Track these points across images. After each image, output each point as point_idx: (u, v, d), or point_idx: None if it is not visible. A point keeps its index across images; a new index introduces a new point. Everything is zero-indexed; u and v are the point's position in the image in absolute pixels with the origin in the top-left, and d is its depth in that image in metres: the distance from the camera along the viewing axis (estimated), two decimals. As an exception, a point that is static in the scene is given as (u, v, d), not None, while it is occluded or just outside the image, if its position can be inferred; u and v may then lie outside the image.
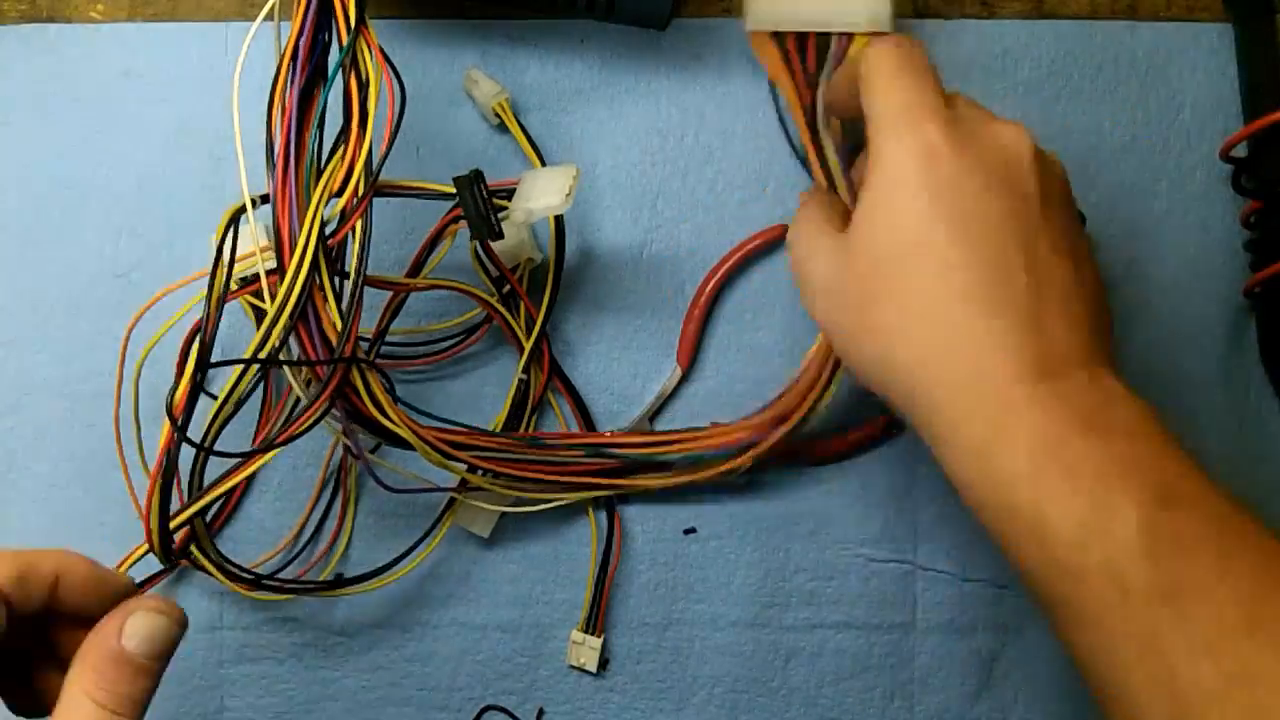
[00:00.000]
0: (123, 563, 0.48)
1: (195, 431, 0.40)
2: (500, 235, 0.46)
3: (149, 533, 0.41)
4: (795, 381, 0.49)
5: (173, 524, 0.41)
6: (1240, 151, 0.50)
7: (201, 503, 0.42)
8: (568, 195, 0.44)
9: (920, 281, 0.37)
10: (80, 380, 0.52)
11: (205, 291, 0.41)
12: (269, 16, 0.43)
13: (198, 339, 0.40)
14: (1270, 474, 0.52)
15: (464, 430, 0.48)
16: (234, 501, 0.51)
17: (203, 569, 0.46)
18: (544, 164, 0.51)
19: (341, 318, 0.42)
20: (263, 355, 0.40)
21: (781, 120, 0.52)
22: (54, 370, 0.52)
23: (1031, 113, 0.52)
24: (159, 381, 0.44)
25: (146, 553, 0.44)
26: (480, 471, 0.48)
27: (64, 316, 0.52)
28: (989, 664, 0.52)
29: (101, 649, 0.36)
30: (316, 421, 0.42)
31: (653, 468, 0.50)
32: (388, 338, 0.50)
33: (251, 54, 0.43)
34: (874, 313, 0.38)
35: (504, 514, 0.51)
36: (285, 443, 0.42)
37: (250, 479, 0.51)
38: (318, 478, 0.51)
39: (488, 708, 0.51)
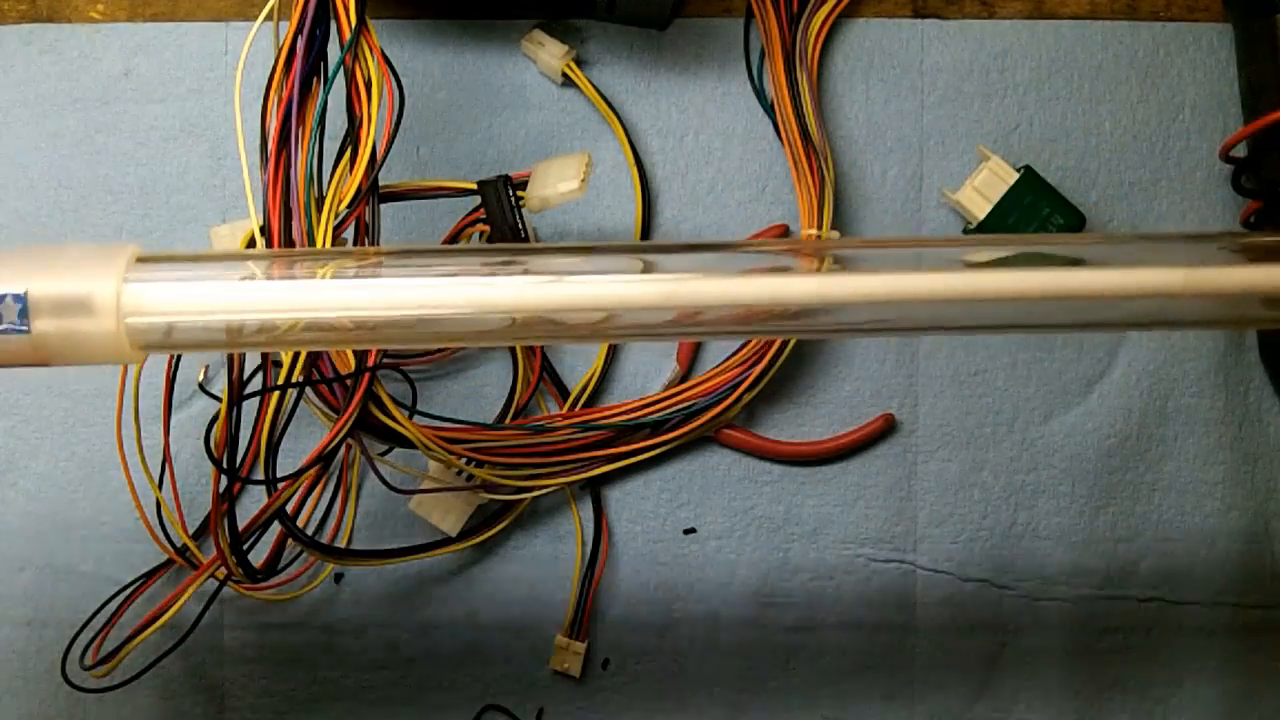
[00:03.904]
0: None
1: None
2: (526, 239, 0.46)
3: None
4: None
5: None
6: (1240, 151, 0.50)
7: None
8: (583, 181, 0.45)
9: None
10: (80, 380, 0.52)
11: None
12: (269, 17, 0.43)
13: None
14: (1270, 474, 0.52)
15: (460, 426, 0.48)
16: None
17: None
18: (619, 118, 0.52)
19: None
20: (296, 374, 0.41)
21: (754, 81, 0.52)
22: (54, 370, 0.52)
23: (1031, 113, 0.52)
24: (158, 380, 0.44)
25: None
26: (472, 463, 0.48)
27: (64, 316, 0.52)
28: (989, 664, 0.52)
29: None
30: (345, 432, 0.42)
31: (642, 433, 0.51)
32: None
33: (252, 54, 0.43)
34: None
35: (502, 514, 0.51)
36: (320, 459, 0.42)
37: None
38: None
39: (488, 707, 0.51)
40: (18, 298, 0.30)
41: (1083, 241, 0.37)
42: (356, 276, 0.34)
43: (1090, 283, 0.33)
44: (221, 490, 0.42)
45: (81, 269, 0.30)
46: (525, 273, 0.34)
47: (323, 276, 0.34)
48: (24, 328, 0.30)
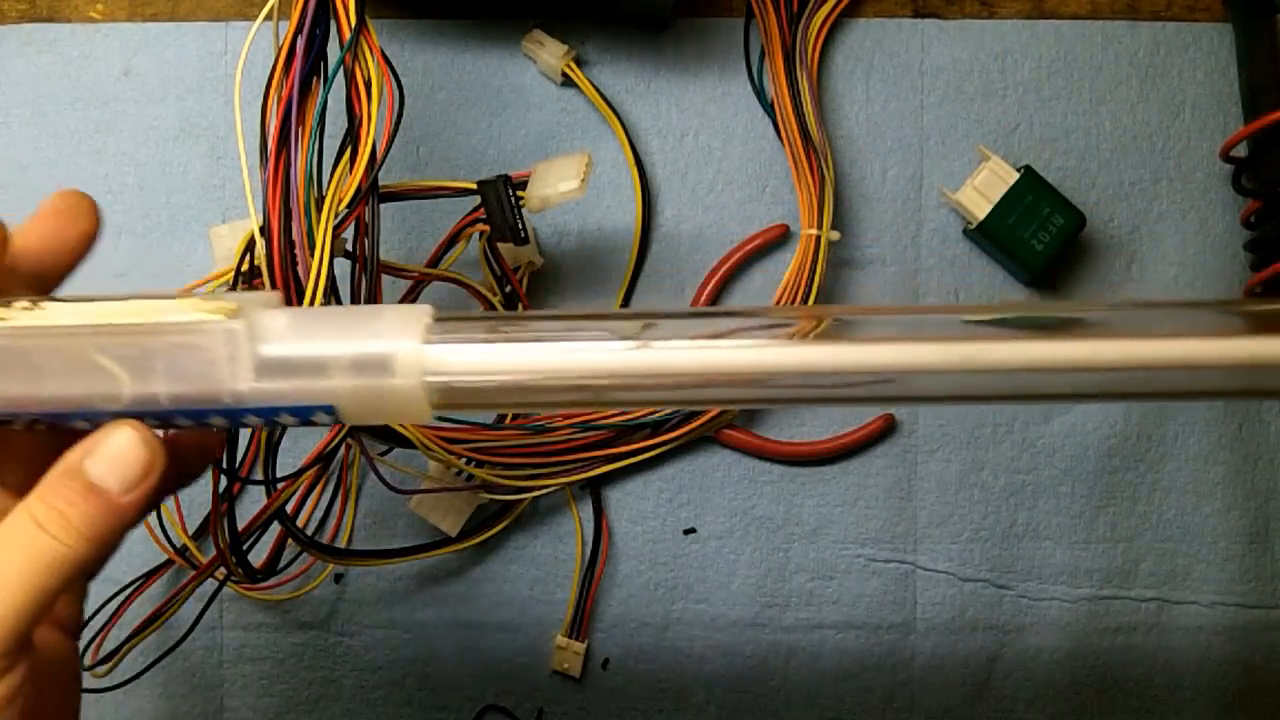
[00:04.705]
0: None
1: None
2: (526, 240, 0.46)
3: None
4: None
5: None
6: (1240, 151, 0.50)
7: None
8: (583, 181, 0.45)
9: None
10: (80, 380, 0.52)
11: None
12: (269, 17, 0.43)
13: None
14: (1270, 474, 0.52)
15: (460, 426, 0.48)
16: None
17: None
18: (619, 118, 0.52)
19: None
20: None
21: (754, 81, 0.52)
22: (54, 370, 0.52)
23: (1031, 113, 0.52)
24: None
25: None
26: (472, 463, 0.48)
27: (64, 316, 0.52)
28: (989, 664, 0.52)
29: (60, 466, 0.30)
30: (345, 432, 0.42)
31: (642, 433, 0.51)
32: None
33: (252, 54, 0.43)
34: None
35: (502, 514, 0.51)
36: (320, 459, 0.42)
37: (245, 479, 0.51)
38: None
39: (488, 708, 0.51)
40: (325, 359, 0.30)
41: (1082, 310, 0.36)
42: (657, 340, 0.31)
43: (1105, 353, 0.31)
44: (221, 490, 0.42)
45: (383, 330, 0.30)
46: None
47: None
48: (329, 400, 0.30)
